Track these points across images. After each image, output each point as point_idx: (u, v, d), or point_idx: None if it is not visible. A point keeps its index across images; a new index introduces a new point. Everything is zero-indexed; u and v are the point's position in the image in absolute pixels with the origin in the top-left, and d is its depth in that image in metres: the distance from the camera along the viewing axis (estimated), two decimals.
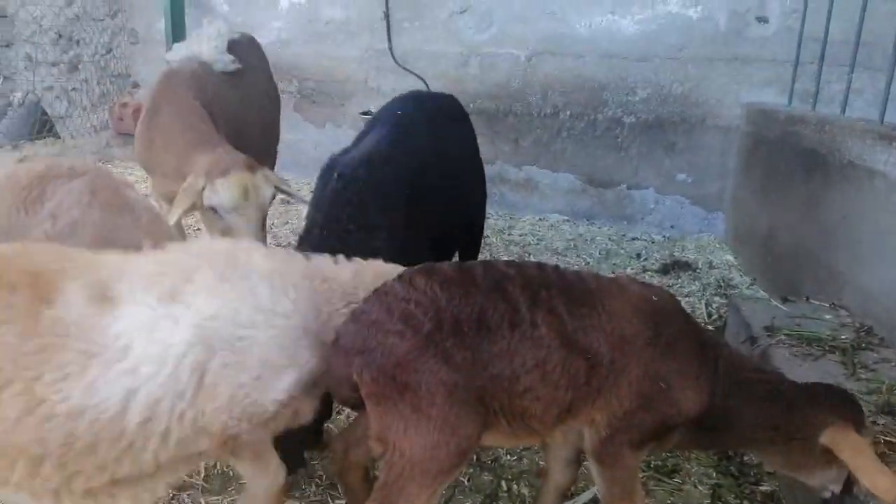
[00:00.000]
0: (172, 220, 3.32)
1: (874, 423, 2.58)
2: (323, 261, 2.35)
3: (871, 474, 1.99)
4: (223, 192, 3.28)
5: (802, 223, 4.49)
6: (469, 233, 4.17)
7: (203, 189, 3.32)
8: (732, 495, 3.04)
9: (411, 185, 3.19)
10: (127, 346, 1.86)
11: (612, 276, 2.45)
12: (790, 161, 4.81)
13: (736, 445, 2.12)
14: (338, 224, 2.81)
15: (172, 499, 2.89)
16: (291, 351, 2.08)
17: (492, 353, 1.98)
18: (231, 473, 3.08)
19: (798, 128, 4.74)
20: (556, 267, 2.23)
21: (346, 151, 3.24)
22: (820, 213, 4.27)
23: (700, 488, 3.12)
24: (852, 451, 2.07)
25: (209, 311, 1.96)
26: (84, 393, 1.80)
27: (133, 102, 7.48)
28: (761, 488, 3.13)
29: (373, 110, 6.68)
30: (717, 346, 2.30)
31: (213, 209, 3.46)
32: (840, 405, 2.18)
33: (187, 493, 2.94)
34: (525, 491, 3.06)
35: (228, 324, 1.97)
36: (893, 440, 2.56)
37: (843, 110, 4.43)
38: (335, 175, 2.95)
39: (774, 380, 2.34)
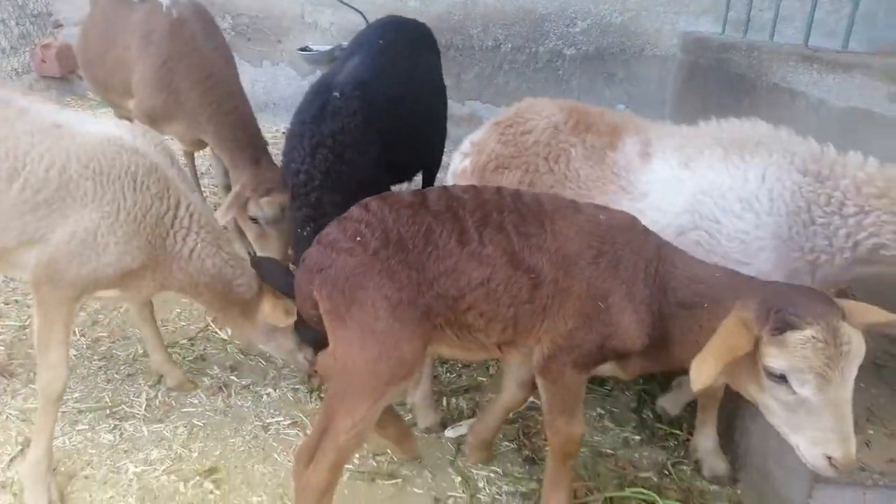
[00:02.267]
0: (222, 223, 3.54)
1: None
2: None
3: (699, 360, 1.77)
4: (266, 210, 3.65)
5: None
6: (432, 161, 4.25)
7: (247, 201, 3.68)
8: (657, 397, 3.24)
9: (395, 110, 3.40)
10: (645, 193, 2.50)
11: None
12: (722, 86, 4.92)
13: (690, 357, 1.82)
14: (342, 135, 3.11)
15: (114, 429, 2.92)
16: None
17: (438, 272, 2.04)
18: (173, 403, 3.12)
19: (729, 54, 4.84)
20: (516, 191, 2.24)
21: (335, 74, 3.50)
22: None
23: (628, 394, 3.31)
24: (710, 336, 1.81)
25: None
26: None
27: (57, 43, 7.10)
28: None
29: (311, 47, 6.51)
30: (669, 265, 2.09)
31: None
32: (755, 296, 1.85)
33: (129, 422, 2.97)
34: (464, 404, 3.19)
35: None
36: None
37: (772, 36, 4.53)
38: (335, 94, 3.23)
39: (714, 282, 2.07)
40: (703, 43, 5.54)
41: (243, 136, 3.91)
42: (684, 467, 2.79)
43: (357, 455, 2.83)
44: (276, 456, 2.81)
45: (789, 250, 2.24)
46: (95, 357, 3.41)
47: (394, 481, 2.68)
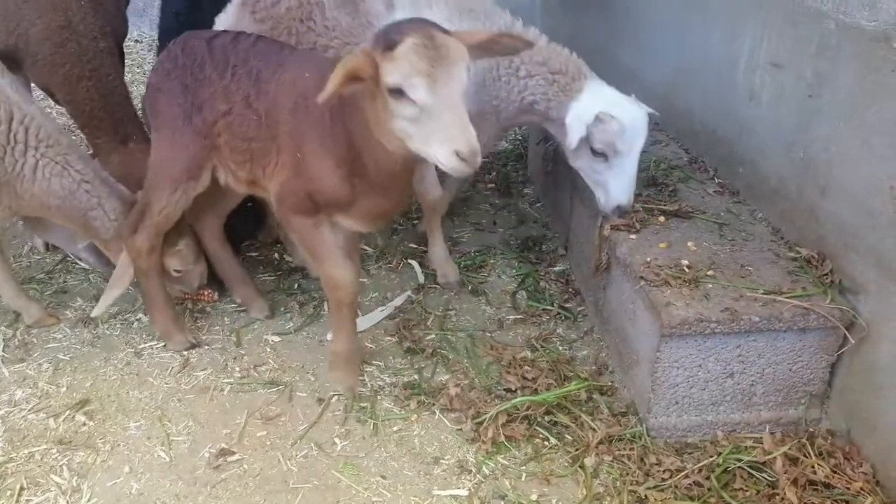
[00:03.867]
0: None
1: (639, 195, 2.89)
2: None
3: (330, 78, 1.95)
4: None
5: (597, 25, 4.65)
6: None
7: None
8: (531, 279, 3.39)
9: None
10: None
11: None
12: None
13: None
14: None
15: None
16: None
17: (204, 97, 2.49)
18: (35, 341, 2.95)
19: None
20: (276, 42, 2.60)
21: None
22: (609, 12, 4.42)
23: (504, 277, 3.44)
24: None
25: None
26: None
27: None
28: (555, 269, 3.51)
29: None
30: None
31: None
32: (374, 36, 2.08)
33: None
34: None
35: None
36: (654, 208, 2.91)
37: None
38: None
39: None
40: None
41: (103, 115, 3.14)
42: (554, 339, 2.97)
43: (238, 368, 2.82)
44: (151, 380, 2.75)
45: (483, 96, 2.85)
46: None
47: (277, 388, 2.70)
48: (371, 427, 2.51)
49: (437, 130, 1.92)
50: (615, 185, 2.71)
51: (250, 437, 2.48)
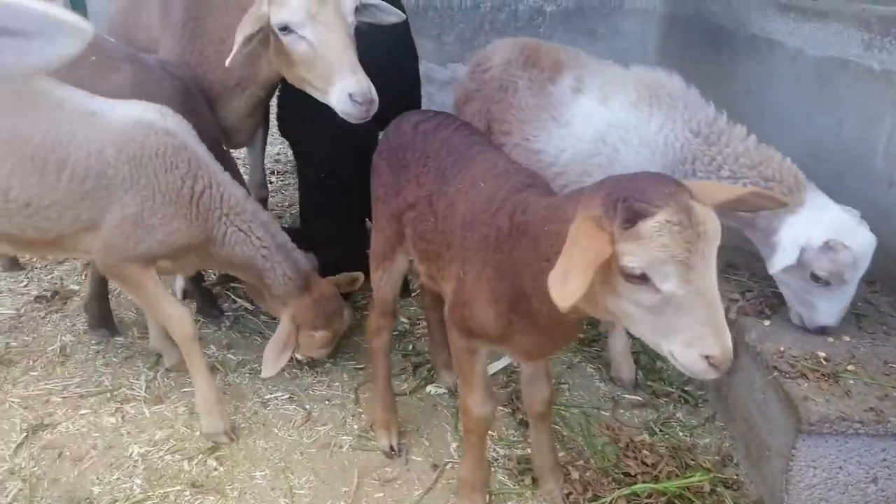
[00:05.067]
0: (230, 58, 2.60)
1: (768, 277, 2.79)
2: None
3: (558, 275, 1.51)
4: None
5: (714, 99, 4.63)
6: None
7: (267, 12, 2.59)
8: (647, 356, 3.31)
9: None
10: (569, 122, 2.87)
11: None
12: (703, 39, 4.89)
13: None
14: None
15: (116, 412, 2.97)
16: None
17: (403, 181, 2.42)
18: (172, 384, 3.17)
19: (708, 5, 4.79)
20: (477, 139, 2.39)
21: None
22: (729, 88, 4.40)
23: None
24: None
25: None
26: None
27: None
28: None
29: None
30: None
31: (286, 28, 2.55)
32: (598, 193, 1.64)
33: (130, 404, 3.02)
34: None
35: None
36: None
37: None
38: None
39: None
40: None
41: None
42: (673, 423, 2.88)
43: (356, 426, 2.90)
44: (276, 431, 2.88)
45: None
46: (92, 342, 3.44)
47: (392, 452, 2.75)
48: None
49: (685, 328, 1.54)
50: (826, 307, 2.50)
51: (368, 499, 2.53)
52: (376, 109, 2.52)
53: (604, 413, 2.96)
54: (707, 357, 1.53)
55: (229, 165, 2.87)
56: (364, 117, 2.50)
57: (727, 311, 2.74)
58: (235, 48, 2.55)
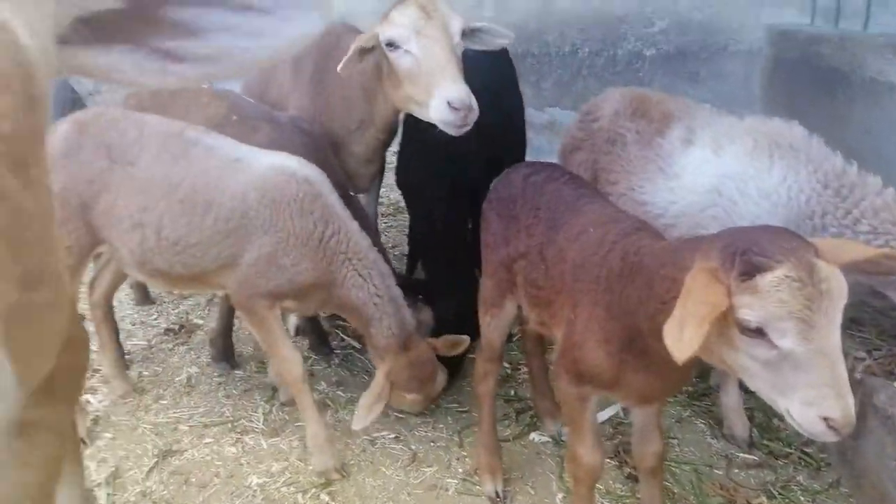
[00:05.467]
0: (342, 64, 2.79)
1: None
2: None
3: (673, 326, 1.52)
4: (398, 16, 2.76)
5: (827, 143, 4.47)
6: None
7: (377, 34, 2.81)
8: (762, 414, 3.18)
9: None
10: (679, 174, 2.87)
11: None
12: (813, 81, 4.75)
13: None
14: None
15: (236, 442, 3.16)
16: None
17: (514, 231, 2.50)
18: (287, 417, 3.34)
19: (819, 47, 4.66)
20: (585, 191, 2.47)
21: None
22: (844, 131, 4.24)
23: None
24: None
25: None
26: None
27: None
28: None
29: None
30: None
31: (392, 44, 2.74)
32: (716, 244, 1.65)
33: (249, 436, 3.20)
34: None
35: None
36: None
37: (866, 25, 4.34)
38: None
39: None
40: (789, 36, 5.37)
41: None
42: (794, 487, 2.75)
43: (461, 469, 2.95)
44: (384, 469, 2.96)
45: None
46: (214, 374, 3.68)
47: (497, 498, 2.78)
48: None
49: (804, 386, 1.51)
50: None
51: None
52: (475, 117, 2.60)
53: (716, 471, 2.86)
54: (826, 419, 1.49)
55: (359, 213, 3.04)
56: (462, 125, 2.58)
57: (852, 370, 2.61)
58: (349, 55, 2.75)
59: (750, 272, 1.50)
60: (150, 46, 0.76)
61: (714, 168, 2.79)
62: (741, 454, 2.95)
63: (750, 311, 1.50)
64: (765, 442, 3.00)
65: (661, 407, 2.39)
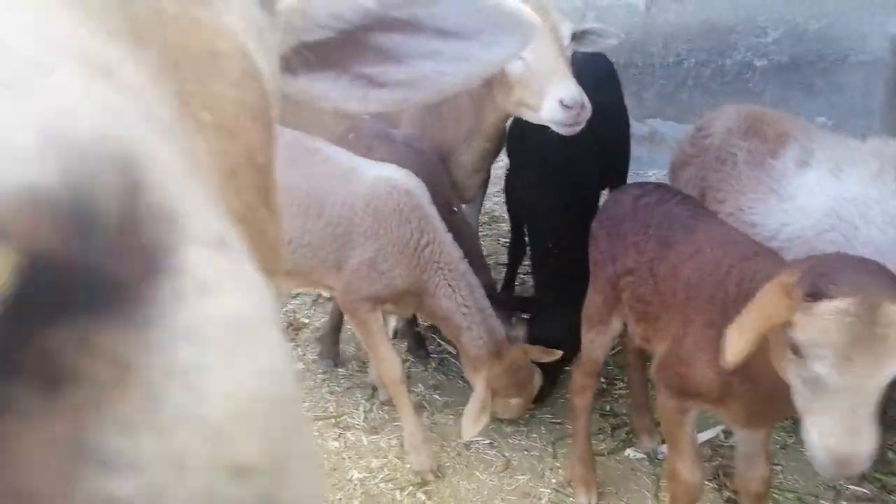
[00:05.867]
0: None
1: None
2: None
3: (734, 328, 1.64)
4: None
5: None
6: None
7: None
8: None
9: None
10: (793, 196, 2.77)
11: None
12: None
13: None
14: None
15: (339, 437, 3.34)
16: None
17: (621, 249, 2.54)
18: (386, 416, 3.49)
19: None
20: (699, 210, 2.52)
21: None
22: None
23: None
24: None
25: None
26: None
27: None
28: None
29: None
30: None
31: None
32: (806, 263, 1.73)
33: (351, 431, 3.38)
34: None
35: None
36: None
37: None
38: None
39: None
40: None
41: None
42: None
43: (554, 479, 2.99)
44: (477, 474, 3.05)
45: None
46: (319, 371, 3.90)
47: None
48: None
49: (823, 413, 1.55)
50: None
51: None
52: (588, 115, 2.64)
53: (822, 502, 2.75)
54: (830, 450, 1.53)
55: (463, 226, 3.17)
56: (574, 123, 2.62)
57: None
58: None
59: (816, 295, 1.52)
60: (353, 72, 0.78)
61: (833, 190, 2.69)
62: (851, 486, 2.82)
63: (800, 329, 1.55)
64: (877, 475, 2.85)
65: (769, 432, 2.35)
